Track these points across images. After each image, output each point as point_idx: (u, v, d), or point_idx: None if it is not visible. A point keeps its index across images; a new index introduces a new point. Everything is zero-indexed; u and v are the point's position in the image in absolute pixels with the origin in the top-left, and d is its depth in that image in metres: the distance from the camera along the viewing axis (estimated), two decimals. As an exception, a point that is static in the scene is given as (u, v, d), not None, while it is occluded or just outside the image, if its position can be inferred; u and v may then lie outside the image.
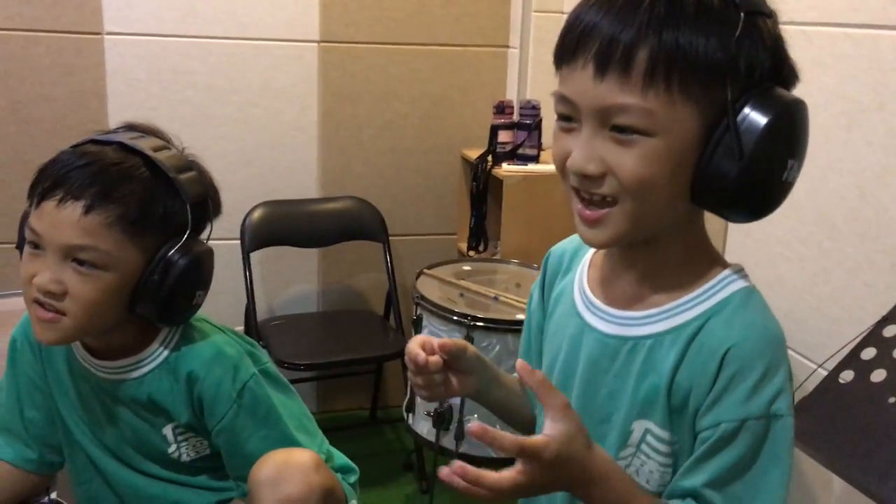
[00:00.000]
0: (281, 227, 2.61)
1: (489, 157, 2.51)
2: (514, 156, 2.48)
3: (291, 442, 1.22)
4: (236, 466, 1.24)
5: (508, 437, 0.74)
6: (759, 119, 0.76)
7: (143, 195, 1.09)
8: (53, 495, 1.29)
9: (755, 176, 0.78)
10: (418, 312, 2.14)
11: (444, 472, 0.75)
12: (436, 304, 2.07)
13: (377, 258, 2.67)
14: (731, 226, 1.90)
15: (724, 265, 0.89)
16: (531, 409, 1.07)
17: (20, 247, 1.15)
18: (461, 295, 2.18)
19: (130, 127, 1.17)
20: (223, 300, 2.58)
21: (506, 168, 2.45)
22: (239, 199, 2.59)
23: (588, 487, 0.80)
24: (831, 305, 1.62)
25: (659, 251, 0.87)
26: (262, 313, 2.63)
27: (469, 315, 2.01)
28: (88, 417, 1.24)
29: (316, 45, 2.61)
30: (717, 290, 0.86)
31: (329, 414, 2.85)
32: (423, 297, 2.11)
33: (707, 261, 0.88)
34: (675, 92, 0.76)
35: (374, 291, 2.79)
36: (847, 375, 1.28)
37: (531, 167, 2.44)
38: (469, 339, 2.00)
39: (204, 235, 1.19)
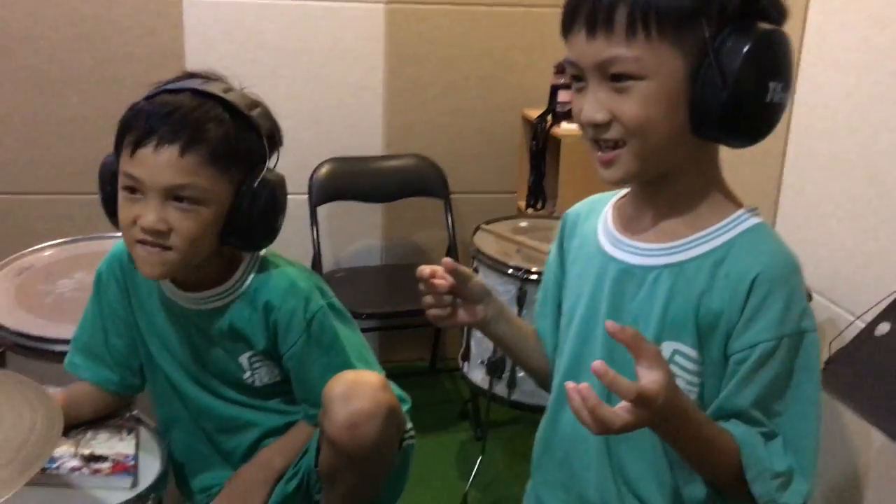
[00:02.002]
0: (347, 182, 2.71)
1: (549, 117, 2.56)
2: (572, 115, 2.52)
3: (351, 368, 1.33)
4: (302, 389, 1.35)
5: (626, 381, 0.80)
6: (737, 49, 0.86)
7: (227, 133, 1.20)
8: (134, 412, 1.42)
9: (741, 100, 0.86)
10: (475, 265, 2.22)
11: (569, 384, 0.81)
12: (491, 258, 2.15)
13: (438, 214, 2.75)
14: (784, 185, 1.93)
15: (740, 205, 0.98)
16: (548, 363, 1.15)
17: (106, 199, 1.26)
18: (518, 250, 2.25)
19: (191, 75, 1.28)
20: (291, 252, 2.63)
21: (565, 127, 2.50)
22: (307, 156, 2.69)
23: (677, 426, 0.88)
24: (877, 263, 1.65)
25: (675, 186, 0.96)
26: (327, 265, 2.74)
27: (522, 268, 2.08)
28: (172, 345, 1.37)
29: (382, 6, 2.68)
30: (735, 224, 0.95)
31: (390, 364, 2.93)
32: (479, 251, 2.20)
33: (723, 198, 0.98)
34: (655, 39, 0.87)
35: (436, 247, 2.88)
36: (883, 328, 1.32)
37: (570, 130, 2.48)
38: (522, 292, 2.07)
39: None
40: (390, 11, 2.68)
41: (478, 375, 2.22)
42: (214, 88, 1.23)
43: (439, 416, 2.66)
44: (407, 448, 1.39)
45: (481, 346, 2.19)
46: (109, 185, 1.25)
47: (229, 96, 1.22)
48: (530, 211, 2.72)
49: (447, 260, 1.06)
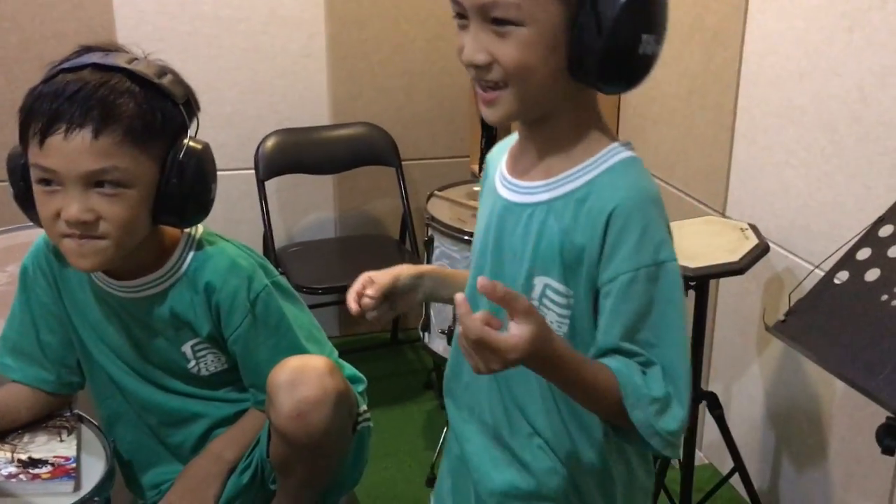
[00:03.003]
0: (294, 154, 2.64)
1: (498, 77, 2.50)
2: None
3: (301, 350, 1.28)
4: (250, 374, 1.30)
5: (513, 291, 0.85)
6: (613, 1, 0.89)
7: (141, 106, 1.13)
8: (75, 411, 1.36)
9: (615, 49, 0.90)
10: (429, 234, 2.17)
11: (459, 296, 0.85)
12: (446, 225, 2.11)
13: (391, 183, 2.69)
14: (737, 135, 1.90)
15: (613, 139, 1.01)
16: None
17: (20, 195, 1.18)
18: (473, 215, 2.21)
19: (88, 49, 1.18)
20: (241, 229, 2.63)
21: (514, 87, 2.44)
22: (252, 129, 2.61)
23: (553, 370, 0.92)
24: (833, 210, 1.63)
25: (554, 126, 0.99)
26: (280, 240, 2.68)
27: (479, 233, 2.04)
28: (109, 338, 1.30)
29: (321, -31, 2.59)
30: (605, 159, 0.98)
31: (351, 337, 2.92)
32: (433, 219, 2.15)
33: (597, 135, 1.01)
34: None
35: (390, 216, 2.82)
36: (842, 276, 1.30)
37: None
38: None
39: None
40: (328, -25, 2.59)
41: (439, 345, 2.19)
42: (118, 60, 1.14)
43: (404, 388, 2.63)
44: (362, 431, 1.35)
45: (440, 315, 2.16)
46: (21, 180, 1.17)
47: (135, 66, 1.14)
48: (484, 174, 2.68)
49: (374, 290, 1.07)
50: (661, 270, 0.94)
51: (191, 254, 1.25)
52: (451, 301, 1.15)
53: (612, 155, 0.98)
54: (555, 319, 0.99)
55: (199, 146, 1.18)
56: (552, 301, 0.99)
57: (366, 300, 1.07)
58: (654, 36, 0.92)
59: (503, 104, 0.95)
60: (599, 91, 0.97)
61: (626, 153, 0.99)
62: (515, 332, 0.85)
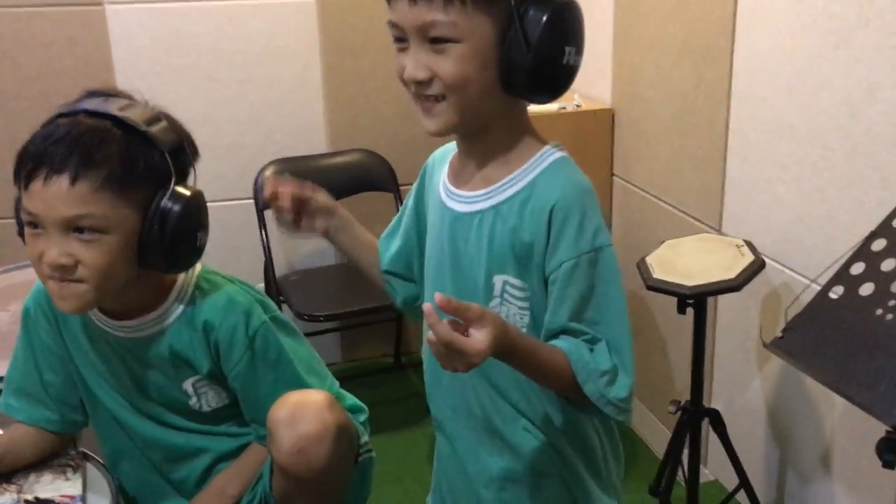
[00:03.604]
0: (293, 183, 2.65)
1: (492, 100, 2.52)
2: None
3: (301, 384, 1.29)
4: (251, 409, 1.31)
5: (473, 305, 0.93)
6: (537, 18, 0.99)
7: (122, 153, 1.14)
8: (80, 449, 1.37)
9: (542, 62, 1.00)
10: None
11: (427, 306, 0.91)
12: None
13: (389, 208, 2.71)
14: (730, 152, 1.92)
15: (544, 143, 1.10)
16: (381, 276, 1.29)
17: (21, 233, 1.20)
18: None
19: (92, 93, 1.21)
20: (242, 258, 2.65)
21: (508, 110, 2.46)
22: (250, 159, 2.63)
23: (512, 358, 1.01)
24: (827, 224, 1.64)
25: (490, 138, 1.09)
26: (280, 269, 2.69)
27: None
28: (110, 377, 1.31)
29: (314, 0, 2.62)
30: (539, 162, 1.08)
31: (353, 363, 2.92)
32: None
33: (530, 141, 1.10)
34: (470, 7, 0.98)
35: (389, 241, 2.84)
36: (837, 290, 1.31)
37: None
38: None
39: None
40: (322, 4, 2.62)
41: (441, 369, 2.19)
42: (111, 106, 1.16)
43: (408, 411, 2.64)
44: (364, 462, 1.35)
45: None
46: (21, 221, 1.19)
47: (125, 113, 1.15)
48: (482, 197, 2.70)
49: (285, 182, 1.18)
50: (600, 255, 1.05)
51: (188, 293, 1.26)
52: (344, 246, 1.26)
53: (545, 157, 1.08)
54: (516, 311, 1.09)
55: (185, 193, 1.18)
56: (512, 296, 1.09)
57: (284, 202, 1.16)
58: (574, 47, 1.02)
59: (443, 114, 1.03)
60: (529, 101, 1.08)
61: (558, 154, 1.09)
62: (476, 335, 0.93)
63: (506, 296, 1.09)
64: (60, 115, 1.16)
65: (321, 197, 1.22)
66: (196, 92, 2.60)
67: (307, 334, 2.65)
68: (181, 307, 1.26)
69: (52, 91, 2.50)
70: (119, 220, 1.15)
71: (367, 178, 2.71)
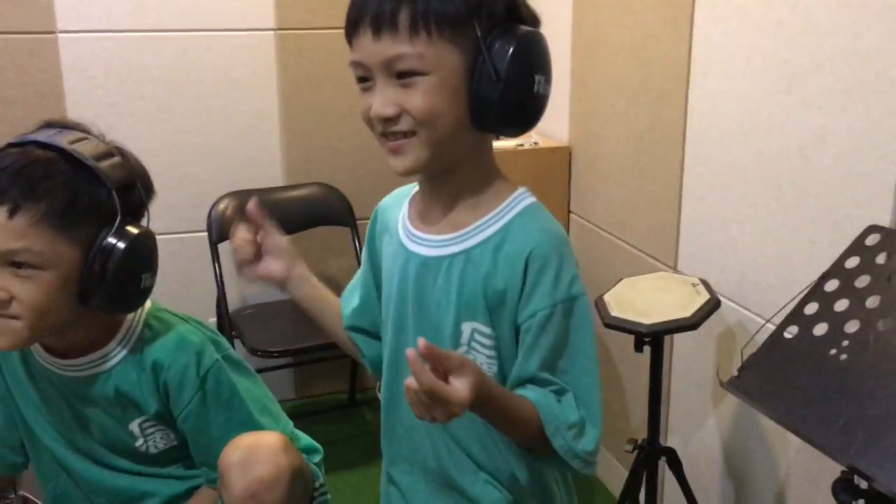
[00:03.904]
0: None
1: (450, 137, 2.53)
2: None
3: (255, 425, 1.25)
4: (202, 452, 1.27)
5: (453, 353, 0.91)
6: (505, 47, 0.97)
7: (66, 188, 1.10)
8: (20, 493, 1.31)
9: (513, 92, 0.97)
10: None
11: (410, 352, 0.87)
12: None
13: (346, 242, 2.69)
14: (685, 192, 1.94)
15: (514, 188, 1.08)
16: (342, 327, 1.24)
17: None
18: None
19: (48, 125, 1.18)
20: (194, 292, 2.60)
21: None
22: (204, 191, 2.59)
23: (483, 407, 0.97)
24: (781, 264, 1.66)
25: (458, 179, 1.05)
26: (234, 303, 2.65)
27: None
28: (53, 417, 1.26)
29: (272, 33, 2.61)
30: (511, 207, 1.05)
31: (308, 399, 2.88)
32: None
33: (499, 185, 1.07)
34: (436, 37, 0.95)
35: (345, 275, 2.79)
36: (792, 330, 1.32)
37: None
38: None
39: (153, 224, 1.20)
40: (280, 37, 2.61)
41: (397, 407, 2.16)
42: (60, 140, 1.13)
43: (363, 449, 2.59)
44: (320, 505, 1.32)
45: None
46: None
47: (75, 146, 1.12)
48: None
49: (253, 203, 1.14)
50: (575, 304, 1.03)
51: (137, 332, 1.22)
52: (303, 300, 1.21)
53: (517, 202, 1.06)
54: (484, 361, 1.06)
55: (132, 232, 1.14)
56: (480, 344, 1.05)
57: (244, 232, 1.13)
58: (544, 76, 1.00)
59: (413, 151, 0.99)
60: (500, 134, 1.05)
61: (530, 199, 1.07)
62: (458, 384, 0.89)
63: (474, 344, 1.06)
64: (9, 145, 1.13)
65: (285, 241, 1.17)
66: (150, 123, 2.56)
67: (260, 370, 2.61)
68: (127, 347, 1.22)
69: (1, 120, 2.44)
70: (57, 257, 1.11)
71: (324, 211, 2.69)
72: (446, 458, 1.11)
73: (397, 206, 1.14)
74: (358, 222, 2.68)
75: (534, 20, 1.03)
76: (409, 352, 0.87)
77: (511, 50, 0.96)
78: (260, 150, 2.69)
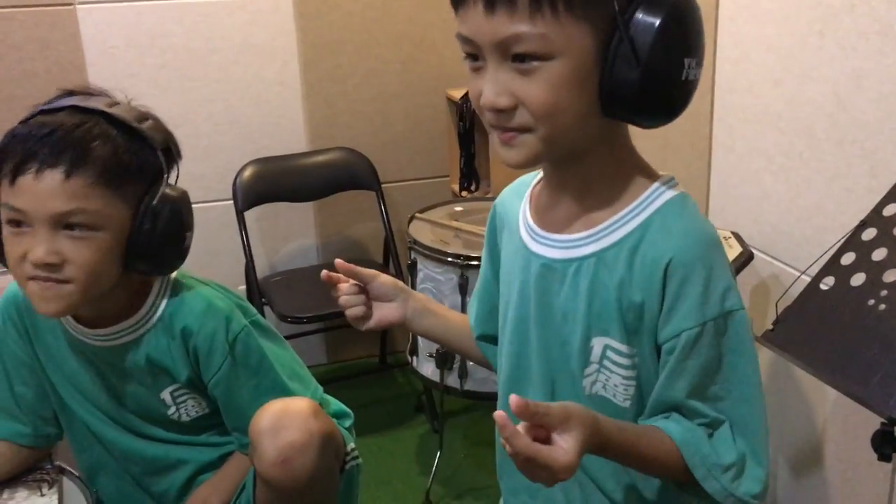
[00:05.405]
0: (273, 183, 2.61)
1: (473, 95, 2.49)
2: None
3: (284, 390, 1.25)
4: (233, 418, 1.27)
5: (553, 406, 0.77)
6: (649, 24, 0.79)
7: (116, 150, 1.11)
8: (56, 463, 1.32)
9: (655, 79, 0.80)
10: (412, 257, 2.15)
11: (498, 415, 0.75)
12: (428, 247, 2.09)
13: (372, 206, 2.67)
14: (715, 144, 1.89)
15: (655, 177, 0.91)
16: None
17: None
18: (455, 236, 2.19)
19: (70, 92, 1.17)
20: (223, 261, 2.61)
21: (490, 105, 2.43)
22: (228, 160, 2.59)
23: (609, 454, 0.85)
24: (816, 214, 1.62)
25: (586, 168, 0.89)
26: (262, 271, 2.65)
27: (462, 255, 2.02)
28: (85, 387, 1.27)
29: (290, -5, 2.58)
30: (650, 200, 0.88)
31: (339, 364, 2.89)
32: (415, 242, 2.13)
33: (637, 174, 0.91)
34: (562, 14, 0.78)
35: (372, 240, 2.80)
36: (828, 281, 1.29)
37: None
38: (464, 279, 2.02)
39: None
40: (299, 2, 2.58)
41: (428, 369, 2.16)
42: (98, 103, 1.13)
43: (394, 412, 2.61)
44: (350, 470, 1.32)
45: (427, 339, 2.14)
46: None
47: (114, 110, 1.12)
48: (465, 194, 2.66)
49: (339, 261, 1.06)
50: (729, 321, 0.86)
51: (165, 299, 1.22)
52: (430, 331, 1.11)
53: (657, 194, 0.89)
54: (619, 383, 0.91)
55: (175, 193, 1.16)
56: (614, 363, 0.90)
57: (343, 284, 1.05)
58: (695, 59, 0.82)
59: (526, 146, 0.84)
60: (637, 126, 0.87)
61: (672, 191, 0.89)
62: (563, 445, 0.77)
63: (606, 362, 0.90)
64: (42, 112, 1.13)
65: (387, 279, 1.07)
66: (171, 92, 2.55)
67: (291, 336, 2.62)
68: (158, 313, 1.22)
69: (23, 94, 2.44)
70: (111, 218, 1.12)
71: (349, 176, 2.67)
72: (575, 493, 0.97)
73: (518, 199, 1.00)
74: (383, 185, 2.66)
75: None
76: (498, 414, 0.74)
77: (657, 26, 0.78)
78: (282, 116, 2.68)
